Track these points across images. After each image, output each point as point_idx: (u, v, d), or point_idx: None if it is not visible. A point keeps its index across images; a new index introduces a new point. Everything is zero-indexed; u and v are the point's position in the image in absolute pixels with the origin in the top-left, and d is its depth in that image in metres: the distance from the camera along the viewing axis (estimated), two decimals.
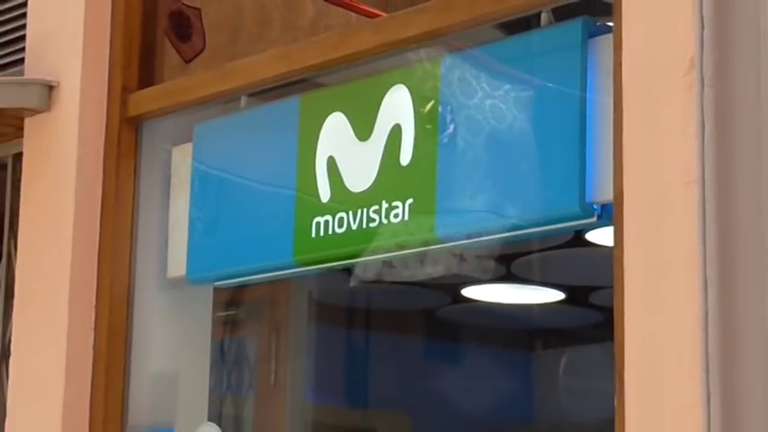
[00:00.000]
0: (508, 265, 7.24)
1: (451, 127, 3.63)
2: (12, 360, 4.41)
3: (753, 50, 2.76)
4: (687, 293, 2.77)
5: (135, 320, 4.31)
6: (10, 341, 4.44)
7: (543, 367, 9.38)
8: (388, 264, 4.47)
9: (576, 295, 7.76)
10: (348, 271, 5.12)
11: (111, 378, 4.24)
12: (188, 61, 4.66)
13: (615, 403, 2.96)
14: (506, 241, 4.09)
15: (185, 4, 4.70)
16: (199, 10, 4.76)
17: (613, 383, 2.99)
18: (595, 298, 7.39)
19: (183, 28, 4.66)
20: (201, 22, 4.71)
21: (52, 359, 4.25)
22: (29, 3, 4.56)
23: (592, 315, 7.63)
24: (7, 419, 4.38)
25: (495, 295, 7.89)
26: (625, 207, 2.96)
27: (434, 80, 3.70)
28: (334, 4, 4.83)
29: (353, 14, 4.86)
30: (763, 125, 2.72)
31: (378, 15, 4.76)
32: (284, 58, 4.38)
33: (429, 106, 3.66)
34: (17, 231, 4.47)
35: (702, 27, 2.84)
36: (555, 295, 7.88)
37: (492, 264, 7.01)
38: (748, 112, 2.75)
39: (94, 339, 4.25)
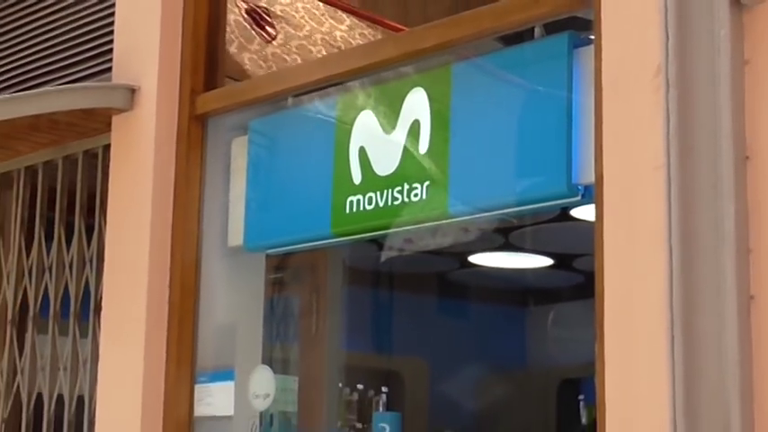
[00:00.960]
0: (506, 236, 7.25)
1: (461, 121, 3.67)
2: (103, 313, 4.44)
3: (709, 58, 2.77)
4: (655, 258, 2.79)
5: (202, 281, 4.34)
6: (101, 298, 4.48)
7: (535, 320, 9.35)
8: (409, 235, 4.52)
9: (563, 261, 7.75)
10: (375, 241, 5.15)
11: (183, 328, 4.28)
12: (268, 42, 4.69)
13: (596, 348, 2.99)
14: (505, 216, 4.14)
15: (255, 5, 4.73)
16: (266, 7, 4.79)
17: (594, 332, 3.03)
18: (578, 263, 7.37)
19: (258, 20, 4.69)
20: (270, 16, 4.73)
21: (135, 313, 4.28)
22: (115, 22, 4.58)
23: (575, 277, 7.62)
24: (100, 362, 4.40)
25: (496, 261, 7.89)
26: (604, 188, 2.99)
27: (446, 83, 3.73)
28: (366, 19, 4.84)
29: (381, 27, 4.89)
30: (718, 119, 2.75)
31: (399, 29, 4.81)
32: (323, 66, 4.43)
33: (441, 104, 3.70)
34: (106, 208, 4.49)
35: (667, 39, 2.84)
36: (545, 261, 7.89)
37: (493, 235, 7.06)
38: (706, 108, 2.76)
39: (169, 296, 4.28)
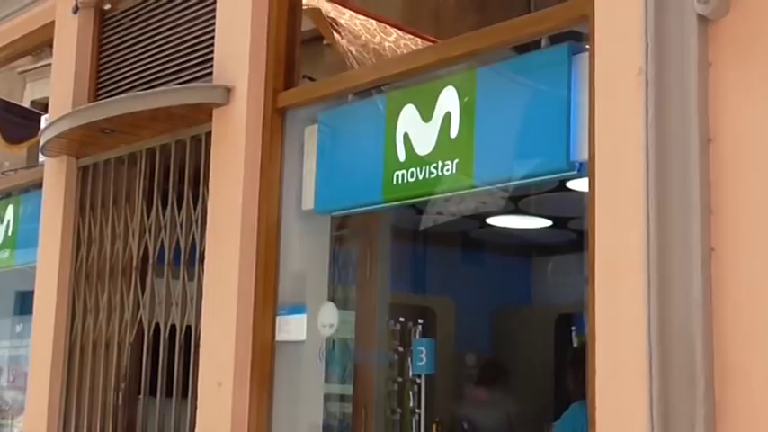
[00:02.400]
0: (516, 203, 7.22)
1: (483, 112, 3.64)
2: (206, 261, 4.46)
3: (680, 61, 2.75)
4: (636, 220, 2.78)
5: (281, 237, 4.34)
6: (204, 250, 4.49)
7: (537, 269, 9.33)
8: (441, 202, 4.51)
9: (560, 223, 7.72)
10: (414, 206, 5.13)
11: (267, 273, 4.27)
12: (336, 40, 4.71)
13: (588, 289, 2.98)
14: (517, 187, 4.11)
15: (327, 16, 4.72)
16: (334, 19, 4.80)
17: (586, 277, 3.02)
18: (572, 224, 7.32)
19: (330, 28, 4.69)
20: (337, 25, 4.75)
21: (229, 263, 4.29)
22: (215, 38, 4.60)
23: (570, 235, 7.57)
24: (203, 299, 4.43)
25: (508, 222, 7.87)
26: (596, 164, 2.98)
27: (472, 83, 3.71)
28: (408, 33, 4.81)
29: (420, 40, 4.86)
30: (687, 110, 2.71)
31: (434, 41, 4.77)
32: (375, 70, 4.40)
33: (467, 99, 3.67)
34: (208, 181, 4.50)
35: (647, 46, 2.82)
36: (546, 222, 7.86)
37: (506, 202, 7.02)
38: (677, 101, 2.74)
39: (256, 249, 4.28)
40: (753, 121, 2.62)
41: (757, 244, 2.56)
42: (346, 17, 4.87)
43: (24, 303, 6.57)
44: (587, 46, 3.12)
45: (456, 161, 3.66)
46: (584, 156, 3.10)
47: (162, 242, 4.86)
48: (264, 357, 4.23)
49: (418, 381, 6.74)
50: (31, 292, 5.70)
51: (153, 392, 4.80)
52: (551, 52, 3.39)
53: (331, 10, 4.83)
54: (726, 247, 2.61)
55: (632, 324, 2.74)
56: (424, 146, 3.78)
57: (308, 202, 4.34)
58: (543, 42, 3.46)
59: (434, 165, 3.72)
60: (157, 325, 4.83)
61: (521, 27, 3.55)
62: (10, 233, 6.41)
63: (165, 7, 5.12)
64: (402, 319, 7.24)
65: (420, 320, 7.43)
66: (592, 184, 2.98)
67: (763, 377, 2.51)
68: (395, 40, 4.84)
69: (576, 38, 3.29)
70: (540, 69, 3.47)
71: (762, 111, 2.60)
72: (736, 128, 2.64)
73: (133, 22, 5.34)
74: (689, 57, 2.72)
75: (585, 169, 3.09)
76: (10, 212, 6.43)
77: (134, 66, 5.26)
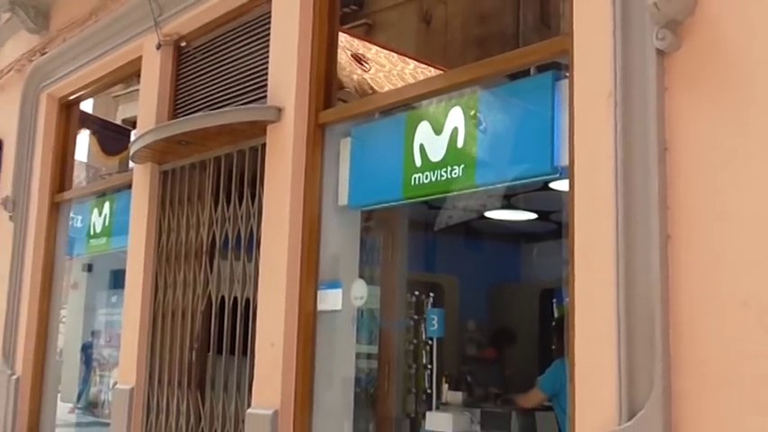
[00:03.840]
0: (509, 200, 7.20)
1: (483, 127, 3.63)
2: (262, 247, 4.45)
3: (642, 86, 2.74)
4: (607, 213, 2.77)
5: (321, 227, 4.32)
6: (260, 238, 4.49)
7: (525, 252, 9.32)
8: (449, 199, 4.50)
9: (544, 216, 7.70)
10: (426, 203, 5.13)
11: (310, 256, 4.26)
12: (366, 71, 4.71)
13: (567, 269, 2.96)
14: (510, 187, 4.11)
15: (355, 52, 4.72)
16: (363, 53, 4.80)
17: (565, 259, 3.01)
18: (554, 217, 7.30)
19: (359, 60, 4.68)
20: (364, 58, 4.74)
21: (280, 248, 4.29)
22: (269, 69, 4.59)
23: (552, 225, 7.56)
24: (260, 276, 4.42)
25: (502, 215, 7.85)
26: (575, 169, 2.96)
27: (475, 104, 3.70)
28: (423, 63, 4.81)
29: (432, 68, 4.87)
30: (647, 125, 2.69)
31: (444, 69, 4.76)
32: (397, 93, 4.41)
33: (471, 116, 3.66)
34: (263, 182, 4.49)
35: (615, 75, 2.81)
36: (532, 215, 7.83)
37: (500, 199, 7.00)
38: (640, 118, 2.73)
39: (301, 237, 4.27)
40: (701, 133, 2.61)
41: (704, 232, 2.55)
42: (373, 51, 4.88)
43: (117, 280, 6.62)
44: (567, 74, 3.11)
45: (462, 166, 3.65)
46: (565, 162, 3.09)
47: (226, 231, 4.86)
48: (308, 323, 4.23)
49: (430, 342, 6.73)
50: (123, 271, 5.73)
51: (219, 351, 4.83)
52: (538, 79, 3.39)
53: (360, 47, 4.84)
54: (679, 235, 2.60)
55: (604, 297, 2.74)
56: (436, 154, 3.77)
57: (343, 200, 4.32)
58: (531, 71, 3.46)
59: (444, 169, 3.71)
60: (223, 297, 4.83)
61: (513, 59, 3.54)
62: (106, 224, 6.45)
63: (228, 44, 5.13)
64: (417, 292, 7.25)
65: (431, 294, 7.44)
66: (571, 185, 2.97)
67: (708, 340, 2.50)
68: (413, 69, 4.83)
69: (558, 67, 3.27)
70: (529, 93, 3.45)
71: (707, 126, 2.59)
72: (687, 139, 2.63)
73: (203, 56, 5.35)
74: (649, 83, 2.71)
75: (566, 172, 3.07)
76: (106, 208, 6.47)
77: (204, 90, 5.26)
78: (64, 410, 7.53)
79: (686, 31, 2.66)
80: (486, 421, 5.85)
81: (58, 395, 7.12)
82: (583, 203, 2.89)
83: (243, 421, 4.39)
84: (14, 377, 6.77)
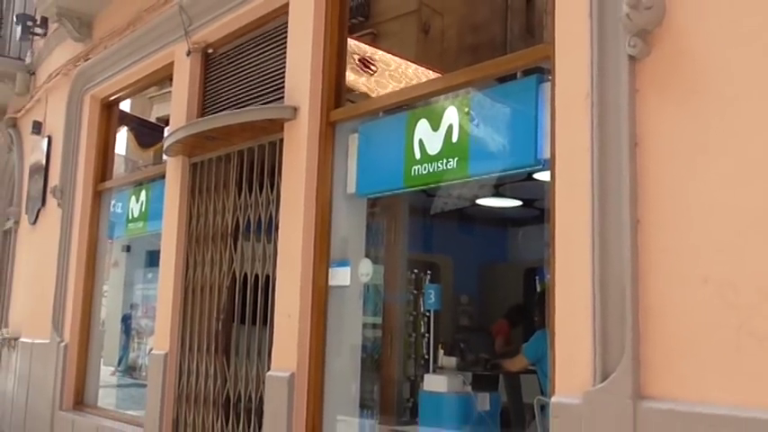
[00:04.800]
0: (497, 189, 7.19)
1: (475, 124, 3.61)
2: (280, 230, 4.45)
3: (616, 88, 2.72)
4: (584, 200, 2.76)
5: (332, 212, 4.31)
6: (278, 222, 4.48)
7: (512, 236, 9.31)
8: (445, 187, 4.47)
9: (528, 203, 7.69)
10: (425, 191, 5.11)
11: (322, 238, 4.26)
12: (371, 75, 4.67)
13: (549, 250, 2.96)
14: (498, 177, 4.10)
15: (363, 55, 4.69)
16: (370, 56, 4.76)
17: (547, 241, 3.00)
18: (536, 204, 7.30)
19: (367, 64, 4.65)
20: (371, 61, 4.70)
21: (296, 231, 4.28)
22: (286, 72, 4.58)
23: (535, 212, 7.54)
24: (278, 256, 4.42)
25: (491, 203, 7.84)
26: (556, 161, 2.95)
27: (468, 104, 3.68)
28: (422, 66, 4.78)
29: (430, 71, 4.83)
30: (620, 123, 2.68)
31: (442, 72, 4.73)
32: (399, 94, 4.38)
33: (464, 115, 3.64)
34: (281, 173, 4.49)
35: (592, 78, 2.80)
36: (518, 203, 7.82)
37: (490, 188, 6.98)
38: (614, 117, 2.72)
39: (315, 221, 4.26)
40: (667, 131, 2.59)
41: (670, 218, 2.54)
42: (379, 54, 4.85)
43: (152, 259, 6.63)
44: (549, 77, 3.09)
45: (456, 159, 3.64)
46: (547, 155, 3.07)
47: (248, 216, 4.85)
48: (320, 297, 4.23)
49: (428, 314, 6.74)
50: (157, 252, 5.74)
51: (242, 321, 4.83)
52: (523, 82, 3.38)
53: (368, 50, 4.81)
54: (648, 220, 2.59)
55: (581, 274, 2.73)
56: (433, 148, 3.75)
57: (351, 188, 4.31)
58: (518, 75, 3.45)
59: (441, 161, 3.69)
60: (245, 274, 4.84)
61: (502, 64, 3.52)
62: (143, 210, 6.45)
63: (250, 51, 5.12)
64: (416, 270, 7.24)
65: (429, 272, 7.43)
66: (552, 175, 2.96)
67: (672, 312, 2.50)
68: (413, 71, 4.80)
69: (542, 72, 3.25)
70: (516, 94, 3.44)
71: (674, 123, 2.58)
72: (655, 135, 2.62)
73: (228, 62, 5.34)
74: (622, 85, 2.70)
75: (548, 164, 3.06)
76: (143, 195, 6.47)
77: (229, 92, 5.25)
78: (106, 373, 7.57)
79: (655, 40, 2.65)
80: (476, 383, 5.86)
81: (101, 360, 7.14)
82: (563, 192, 2.88)
83: (263, 382, 4.40)
84: (63, 344, 6.80)
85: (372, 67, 4.66)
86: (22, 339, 7.93)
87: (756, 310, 2.29)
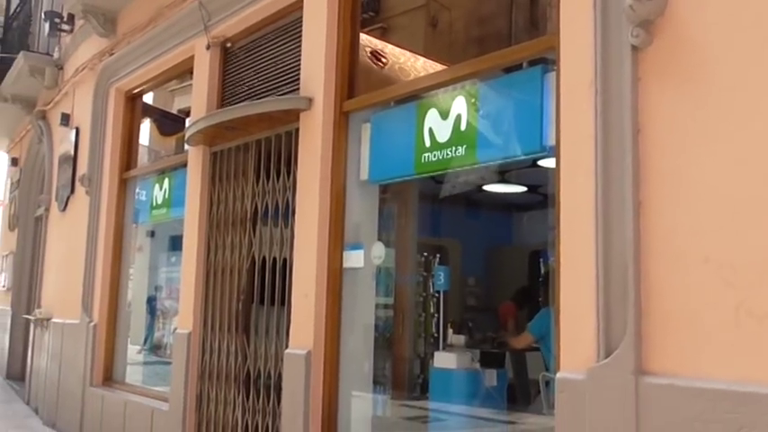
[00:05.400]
0: (503, 175, 7.17)
1: (482, 113, 3.59)
2: (296, 215, 4.43)
3: (618, 77, 2.70)
4: (587, 184, 2.75)
5: (346, 198, 4.30)
6: (295, 207, 4.47)
7: (517, 220, 9.30)
8: (454, 174, 4.45)
9: (533, 189, 7.67)
10: (433, 178, 5.09)
11: (336, 222, 4.24)
12: (382, 68, 4.64)
13: (554, 233, 2.93)
14: (504, 164, 4.07)
15: (374, 49, 4.65)
16: (381, 50, 4.72)
17: (551, 225, 2.99)
18: (541, 189, 7.28)
19: (376, 56, 4.62)
20: (382, 54, 4.66)
21: (311, 216, 4.27)
22: (301, 64, 4.56)
23: (539, 197, 7.53)
24: (295, 240, 4.41)
25: (497, 189, 7.82)
26: (561, 147, 2.92)
27: (476, 94, 3.65)
28: (431, 58, 4.74)
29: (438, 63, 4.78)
30: (623, 109, 2.66)
31: (448, 65, 4.70)
32: (410, 84, 4.34)
33: (472, 104, 3.61)
34: (297, 161, 4.48)
35: (596, 67, 2.77)
36: (523, 188, 7.80)
37: (496, 174, 6.94)
38: (617, 104, 2.69)
39: (329, 206, 4.25)
40: (668, 118, 2.56)
41: (671, 200, 2.52)
42: (389, 48, 4.82)
43: (175, 244, 6.65)
44: (554, 67, 3.06)
45: (464, 146, 3.61)
46: (553, 141, 3.04)
47: (266, 202, 4.85)
48: (335, 278, 4.22)
49: (437, 295, 6.76)
50: (180, 237, 5.75)
51: (261, 302, 4.84)
52: (529, 72, 3.34)
53: (378, 44, 4.78)
54: (650, 202, 2.57)
55: (585, 255, 2.72)
56: (442, 136, 3.72)
57: (364, 175, 4.29)
58: (524, 65, 3.40)
59: (450, 149, 3.67)
60: (264, 257, 4.83)
61: (508, 54, 3.48)
62: (166, 197, 6.47)
63: (267, 45, 5.09)
64: (426, 253, 7.27)
65: (438, 255, 7.45)
66: (558, 161, 2.92)
67: (673, 291, 2.48)
68: (422, 64, 4.77)
69: (547, 62, 3.22)
70: (522, 83, 3.40)
71: (675, 110, 2.55)
72: (656, 122, 2.59)
73: (246, 55, 5.32)
74: (625, 74, 2.67)
75: (553, 151, 3.03)
76: (166, 183, 6.48)
77: (247, 84, 5.23)
78: (133, 352, 7.61)
79: (657, 30, 2.61)
80: (484, 360, 5.87)
81: (128, 339, 7.18)
82: (568, 176, 2.85)
83: (281, 360, 4.41)
84: (92, 324, 6.85)
85: (383, 60, 4.62)
86: (53, 320, 7.99)
87: (755, 289, 2.28)
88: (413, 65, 4.81)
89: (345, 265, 4.26)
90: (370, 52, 4.51)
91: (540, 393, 5.32)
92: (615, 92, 2.69)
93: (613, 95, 2.69)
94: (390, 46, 4.85)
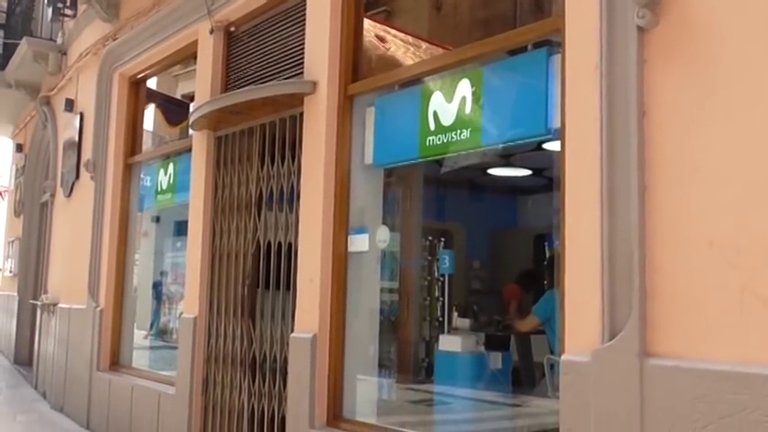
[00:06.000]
0: (508, 159, 7.16)
1: (487, 96, 3.57)
2: (301, 199, 4.43)
3: (624, 59, 2.69)
4: (593, 168, 2.75)
5: (351, 182, 4.30)
6: (299, 192, 4.47)
7: (522, 203, 9.30)
8: (458, 157, 4.44)
9: (538, 172, 7.65)
10: (437, 161, 5.08)
11: (341, 207, 4.25)
12: (386, 50, 4.61)
13: (558, 216, 2.93)
14: (509, 147, 4.06)
15: (378, 33, 4.63)
16: (384, 34, 4.69)
17: (556, 208, 2.98)
18: (546, 172, 7.27)
19: (380, 40, 4.59)
20: (386, 38, 4.63)
21: (316, 200, 4.27)
22: (305, 48, 4.54)
23: (544, 180, 7.52)
24: (299, 224, 4.41)
25: (502, 172, 7.81)
26: (566, 130, 2.92)
27: (480, 76, 3.63)
28: (433, 44, 4.71)
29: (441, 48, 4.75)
30: (628, 93, 2.65)
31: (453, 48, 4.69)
32: (414, 67, 4.33)
33: (476, 87, 3.60)
34: (302, 145, 4.47)
35: (601, 49, 2.76)
36: (528, 172, 7.79)
37: (501, 158, 6.93)
38: (622, 87, 2.69)
39: (334, 191, 4.24)
40: (674, 100, 2.56)
41: (676, 183, 2.52)
42: (392, 33, 4.80)
43: (180, 229, 6.66)
44: (559, 49, 3.05)
45: (469, 129, 3.60)
46: (558, 124, 3.04)
47: (271, 187, 4.85)
48: (340, 263, 4.24)
49: (442, 278, 6.77)
50: (185, 222, 5.76)
51: (267, 286, 4.86)
52: (535, 54, 3.33)
53: (381, 30, 4.76)
54: (655, 185, 2.57)
55: (590, 238, 2.72)
56: (447, 119, 3.71)
57: (368, 159, 4.28)
58: (528, 47, 3.39)
59: (454, 132, 3.66)
60: (269, 242, 4.85)
61: (513, 37, 3.46)
62: (171, 182, 6.48)
63: (271, 29, 5.07)
64: (430, 237, 7.26)
65: (442, 238, 7.45)
66: (563, 144, 2.92)
67: (678, 274, 2.49)
68: (425, 49, 4.74)
69: (552, 44, 3.21)
70: (527, 66, 3.39)
71: (680, 92, 2.54)
72: (662, 105, 2.58)
73: (250, 39, 5.30)
74: (630, 56, 2.66)
75: (558, 133, 3.02)
76: (171, 168, 6.49)
77: (251, 68, 5.22)
78: (139, 337, 7.64)
79: (663, 11, 2.60)
80: (489, 343, 5.89)
81: (135, 324, 7.22)
82: (573, 159, 2.85)
83: (287, 343, 4.44)
84: (99, 309, 6.89)
85: (387, 45, 4.60)
86: (60, 305, 8.04)
87: (760, 271, 2.28)
88: (417, 48, 4.78)
89: (350, 249, 4.26)
90: (375, 35, 4.48)
91: (544, 376, 5.34)
92: (621, 74, 2.68)
93: (619, 78, 2.68)
94: (393, 31, 4.82)
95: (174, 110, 7.51)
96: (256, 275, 5.00)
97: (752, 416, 2.22)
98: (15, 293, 11.05)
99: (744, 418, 2.24)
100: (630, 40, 2.65)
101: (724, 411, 2.28)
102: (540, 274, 7.44)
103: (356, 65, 4.35)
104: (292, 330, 4.37)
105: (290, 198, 4.64)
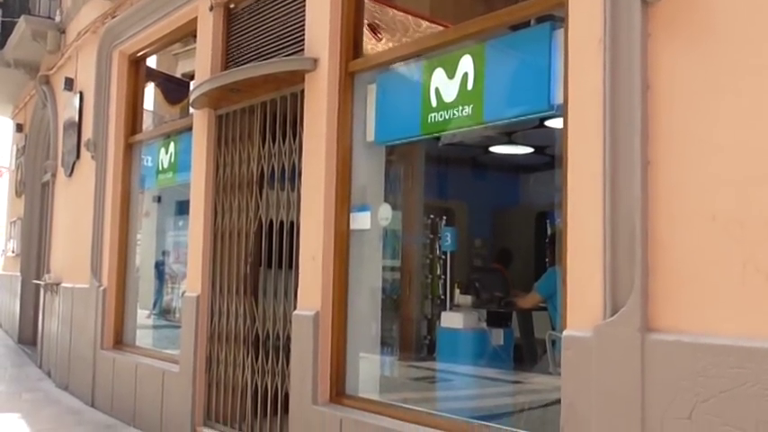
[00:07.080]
0: (510, 136, 7.13)
1: (490, 72, 3.55)
2: (303, 177, 4.42)
3: (628, 33, 2.68)
4: (596, 143, 2.74)
5: (353, 160, 4.28)
6: (301, 170, 4.46)
7: (524, 181, 9.29)
8: (460, 134, 4.42)
9: (540, 149, 7.63)
10: (438, 138, 5.06)
11: (343, 185, 4.25)
12: (378, 41, 4.57)
13: (561, 194, 2.93)
14: (511, 123, 4.04)
15: (372, 21, 4.58)
16: (378, 22, 4.65)
17: (559, 185, 2.97)
18: (548, 150, 7.24)
19: (374, 29, 4.55)
20: (378, 27, 4.59)
21: (318, 178, 4.27)
22: (306, 25, 4.51)
23: (546, 158, 7.49)
24: (301, 203, 4.41)
25: (504, 150, 7.79)
26: (569, 106, 2.91)
27: (482, 52, 3.60)
28: (434, 23, 4.66)
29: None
30: (632, 67, 2.64)
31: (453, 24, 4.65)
32: (415, 44, 4.29)
33: (479, 63, 3.58)
34: (303, 123, 4.46)
35: (605, 23, 2.74)
36: (530, 150, 7.77)
37: (503, 135, 6.90)
38: (626, 61, 2.67)
39: (336, 168, 4.24)
40: (678, 74, 2.55)
41: (679, 158, 2.51)
42: (390, 15, 4.76)
43: (181, 208, 6.67)
44: (562, 24, 3.03)
45: (471, 106, 3.58)
46: (561, 100, 3.03)
47: (272, 165, 4.84)
48: (342, 241, 4.24)
49: (444, 256, 6.77)
50: (186, 201, 5.76)
51: (269, 264, 4.87)
52: (537, 29, 3.30)
53: (379, 10, 4.72)
54: (658, 160, 2.56)
55: (593, 213, 2.72)
56: (449, 96, 3.69)
57: (370, 136, 4.27)
58: (531, 22, 3.37)
59: (456, 109, 3.64)
60: (271, 220, 4.85)
61: (515, 12, 3.43)
62: (172, 161, 6.46)
63: (271, 5, 5.03)
64: (432, 215, 7.26)
65: (444, 216, 7.45)
66: (565, 119, 2.91)
67: (681, 250, 2.49)
68: (425, 29, 4.70)
69: (554, 19, 3.18)
70: (529, 41, 3.36)
71: (684, 67, 2.53)
72: (666, 79, 2.57)
73: (250, 16, 5.26)
74: (634, 30, 2.64)
75: (561, 109, 3.01)
76: (171, 147, 6.48)
77: (251, 45, 5.18)
78: (142, 316, 7.68)
79: None
80: (491, 320, 5.91)
81: (138, 303, 7.25)
82: (576, 134, 2.84)
83: (290, 321, 4.46)
84: (102, 288, 6.91)
85: (378, 35, 4.56)
86: (63, 285, 8.07)
87: (762, 246, 2.28)
88: (417, 28, 4.74)
89: (352, 226, 4.26)
90: (368, 25, 4.46)
91: (546, 352, 5.36)
92: (624, 48, 2.66)
93: (622, 52, 2.67)
94: (392, 11, 4.77)
95: (174, 89, 7.48)
96: (258, 254, 5.01)
97: (753, 389, 2.23)
98: (18, 273, 11.08)
99: (745, 391, 2.25)
100: (634, 14, 2.64)
101: (725, 385, 2.30)
102: (540, 250, 7.46)
103: (357, 41, 4.32)
104: (295, 308, 4.39)
105: (292, 176, 4.63)
